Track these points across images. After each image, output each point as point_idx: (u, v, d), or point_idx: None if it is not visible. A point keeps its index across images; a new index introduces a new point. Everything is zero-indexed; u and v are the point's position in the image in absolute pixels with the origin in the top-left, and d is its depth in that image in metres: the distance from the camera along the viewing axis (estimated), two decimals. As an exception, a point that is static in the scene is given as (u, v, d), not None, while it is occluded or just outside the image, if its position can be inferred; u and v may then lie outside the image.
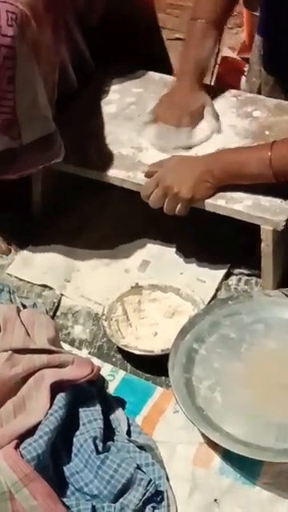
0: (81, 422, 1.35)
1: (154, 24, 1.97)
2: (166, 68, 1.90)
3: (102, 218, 1.79)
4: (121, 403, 1.43)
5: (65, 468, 1.32)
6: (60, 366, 1.40)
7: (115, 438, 1.36)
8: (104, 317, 1.55)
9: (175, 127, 1.66)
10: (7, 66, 1.41)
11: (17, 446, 1.28)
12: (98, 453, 1.31)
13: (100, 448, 1.31)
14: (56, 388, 1.37)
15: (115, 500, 1.27)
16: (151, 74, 1.87)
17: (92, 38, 1.82)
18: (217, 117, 1.69)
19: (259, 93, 1.77)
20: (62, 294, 1.65)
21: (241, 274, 1.67)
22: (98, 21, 1.81)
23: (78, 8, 1.75)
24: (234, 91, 1.80)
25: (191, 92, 1.69)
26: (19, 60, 1.42)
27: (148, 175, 1.61)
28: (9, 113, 1.46)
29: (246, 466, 1.31)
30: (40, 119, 1.53)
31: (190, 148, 1.66)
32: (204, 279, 1.65)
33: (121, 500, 1.27)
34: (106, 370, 1.49)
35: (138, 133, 1.71)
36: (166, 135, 1.67)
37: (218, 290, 1.63)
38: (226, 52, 2.14)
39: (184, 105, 1.69)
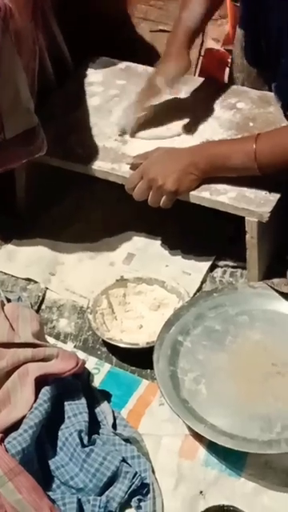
0: (66, 416, 1.35)
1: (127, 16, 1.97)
2: (149, 60, 1.90)
3: (86, 211, 1.79)
4: (106, 396, 1.43)
5: (50, 462, 1.32)
6: (45, 359, 1.40)
7: (100, 431, 1.37)
8: (89, 310, 1.55)
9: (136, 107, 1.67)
10: None
11: (1, 440, 1.28)
12: (84, 446, 1.31)
13: (85, 441, 1.32)
14: (41, 382, 1.37)
15: (101, 493, 1.28)
16: (134, 65, 1.87)
17: (72, 30, 1.81)
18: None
19: (243, 85, 1.77)
20: (46, 288, 1.64)
21: (226, 266, 1.67)
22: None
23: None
24: (217, 83, 1.80)
25: (176, 56, 1.65)
26: (2, 53, 1.41)
27: (133, 167, 1.60)
28: None
29: (231, 458, 1.32)
30: (23, 113, 1.52)
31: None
32: (189, 272, 1.65)
33: (106, 493, 1.27)
34: (91, 363, 1.49)
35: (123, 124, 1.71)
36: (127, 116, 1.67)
37: (203, 282, 1.63)
38: (210, 44, 2.14)
39: (162, 71, 1.66)
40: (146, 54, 1.99)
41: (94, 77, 1.84)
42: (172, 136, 1.67)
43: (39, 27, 1.64)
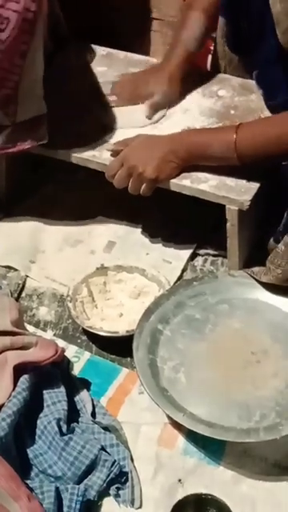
0: (45, 404, 1.35)
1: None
2: (134, 47, 1.89)
3: (67, 198, 1.78)
4: (86, 385, 1.43)
5: (28, 450, 1.32)
6: (23, 347, 1.39)
7: (80, 419, 1.36)
8: (69, 298, 1.54)
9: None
10: (24, 40, 1.41)
11: (-21, 429, 1.27)
12: (62, 434, 1.31)
13: (64, 430, 1.31)
14: (20, 370, 1.36)
15: (79, 481, 1.28)
16: (115, 52, 1.85)
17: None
18: (157, 107, 1.68)
19: (225, 73, 1.76)
20: (26, 276, 1.64)
21: (207, 254, 1.67)
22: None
23: None
24: (199, 70, 1.79)
25: (154, 78, 1.69)
26: (35, 36, 1.42)
27: (113, 154, 1.59)
28: (12, 88, 1.46)
29: (210, 446, 1.32)
30: (36, 98, 1.52)
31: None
32: (170, 260, 1.65)
33: (85, 481, 1.28)
34: (71, 351, 1.49)
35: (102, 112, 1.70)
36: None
37: (183, 270, 1.63)
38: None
39: (139, 88, 1.69)
40: (131, 41, 1.97)
41: (74, 62, 1.82)
42: (152, 123, 1.66)
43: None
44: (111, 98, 1.71)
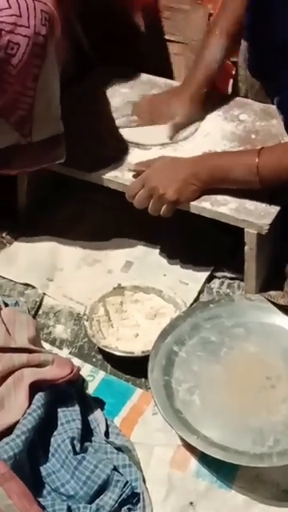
0: (59, 422, 1.35)
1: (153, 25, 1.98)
2: (154, 69, 1.91)
3: (86, 217, 1.79)
4: (100, 404, 1.43)
5: (41, 468, 1.32)
6: (40, 365, 1.40)
7: (93, 438, 1.37)
8: (86, 317, 1.55)
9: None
10: (35, 64, 1.42)
11: (-7, 445, 1.28)
12: (75, 453, 1.31)
13: (77, 448, 1.32)
14: (35, 387, 1.37)
15: (91, 501, 1.28)
16: (139, 75, 1.87)
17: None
18: (177, 128, 1.70)
19: (246, 97, 1.77)
20: (44, 293, 1.65)
21: (224, 277, 1.67)
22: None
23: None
24: (221, 94, 1.81)
25: (177, 101, 1.71)
26: (46, 59, 1.43)
27: (135, 175, 1.60)
28: (26, 110, 1.47)
29: (223, 470, 1.32)
30: (52, 119, 1.53)
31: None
32: (187, 281, 1.65)
33: (97, 501, 1.27)
34: (86, 370, 1.49)
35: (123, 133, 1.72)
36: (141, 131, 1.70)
37: (200, 292, 1.64)
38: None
39: (160, 110, 1.71)
40: (150, 64, 1.99)
41: (98, 84, 1.85)
42: (182, 139, 1.68)
43: (65, 36, 1.65)
44: (132, 119, 1.73)
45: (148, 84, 1.83)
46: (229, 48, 1.70)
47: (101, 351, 1.53)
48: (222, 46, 1.69)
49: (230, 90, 1.86)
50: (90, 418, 1.39)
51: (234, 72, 1.82)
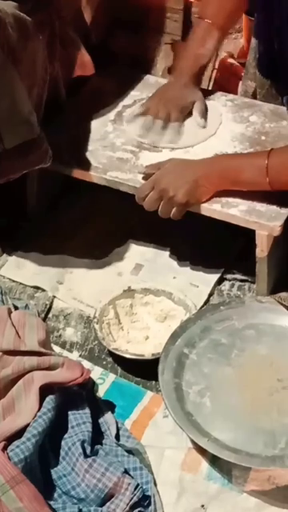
0: (69, 425, 1.35)
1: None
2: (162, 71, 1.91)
3: (96, 220, 1.79)
4: (110, 407, 1.43)
5: (52, 471, 1.32)
6: (50, 368, 1.40)
7: (103, 441, 1.36)
8: (96, 319, 1.55)
9: (163, 122, 1.68)
10: None
11: (4, 448, 1.27)
12: (86, 456, 1.30)
13: (88, 451, 1.31)
14: (45, 390, 1.36)
15: (102, 504, 1.27)
16: (147, 77, 1.87)
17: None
18: (205, 114, 1.69)
19: (254, 96, 1.77)
20: (54, 296, 1.64)
21: (234, 279, 1.66)
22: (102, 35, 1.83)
23: (83, 25, 1.75)
24: (230, 96, 1.80)
25: (184, 88, 1.70)
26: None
27: (145, 177, 1.60)
28: None
29: (234, 472, 1.31)
30: (22, 124, 1.52)
31: (174, 144, 1.67)
32: (197, 284, 1.64)
33: (108, 504, 1.27)
34: (96, 373, 1.49)
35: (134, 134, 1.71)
36: (153, 129, 1.68)
37: (210, 295, 1.63)
38: (224, 57, 2.14)
39: (175, 100, 1.69)
40: (158, 66, 2.00)
41: (109, 86, 1.84)
42: (184, 147, 1.67)
43: (55, 58, 1.66)
44: (148, 120, 1.72)
45: (156, 85, 1.82)
46: (219, 38, 1.70)
47: (111, 354, 1.52)
48: (211, 36, 1.68)
49: (239, 91, 1.86)
50: (101, 420, 1.39)
51: (242, 74, 1.82)
